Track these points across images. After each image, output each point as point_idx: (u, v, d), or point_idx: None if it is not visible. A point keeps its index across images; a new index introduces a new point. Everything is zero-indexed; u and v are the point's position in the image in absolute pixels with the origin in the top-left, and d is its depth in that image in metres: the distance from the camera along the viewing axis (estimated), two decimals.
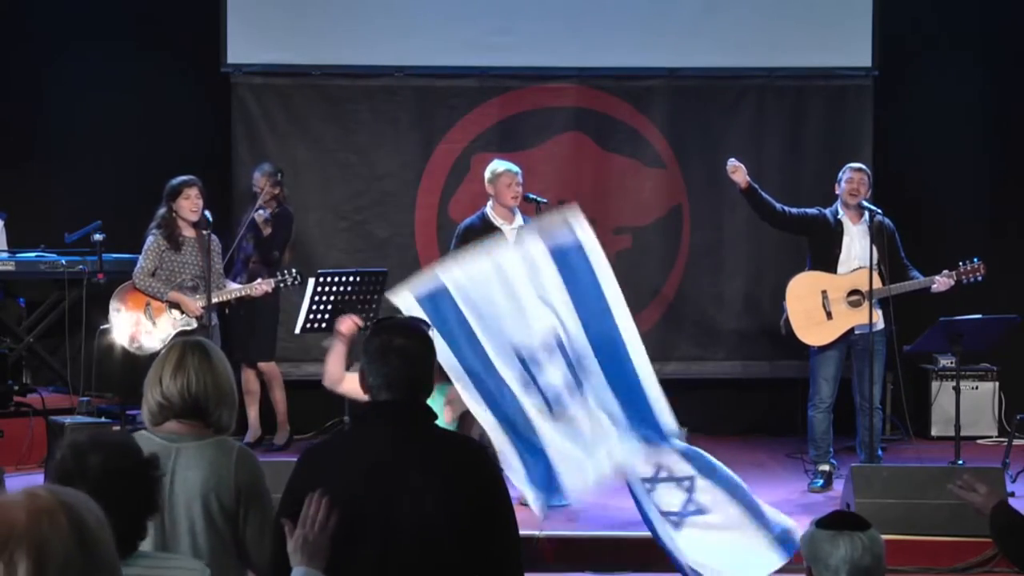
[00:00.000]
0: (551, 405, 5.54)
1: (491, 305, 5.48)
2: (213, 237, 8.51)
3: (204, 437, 3.94)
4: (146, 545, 3.81)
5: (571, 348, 5.57)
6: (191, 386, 3.91)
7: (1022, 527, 4.20)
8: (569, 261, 5.58)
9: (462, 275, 5.49)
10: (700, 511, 5.66)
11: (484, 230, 8.22)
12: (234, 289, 8.56)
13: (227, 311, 8.90)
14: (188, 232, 8.39)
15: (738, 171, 8.31)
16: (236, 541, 3.94)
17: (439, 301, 5.39)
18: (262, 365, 9.34)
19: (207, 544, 3.88)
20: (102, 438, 3.20)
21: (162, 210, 8.39)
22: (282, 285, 8.62)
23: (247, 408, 9.20)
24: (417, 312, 5.28)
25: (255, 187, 9.33)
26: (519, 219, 8.29)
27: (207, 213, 8.28)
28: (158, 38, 10.12)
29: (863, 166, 8.64)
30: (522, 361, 5.52)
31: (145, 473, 3.15)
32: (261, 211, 9.20)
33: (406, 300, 5.40)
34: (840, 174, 8.54)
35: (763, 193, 8.43)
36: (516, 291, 5.54)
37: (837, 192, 8.52)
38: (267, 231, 9.20)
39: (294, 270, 8.61)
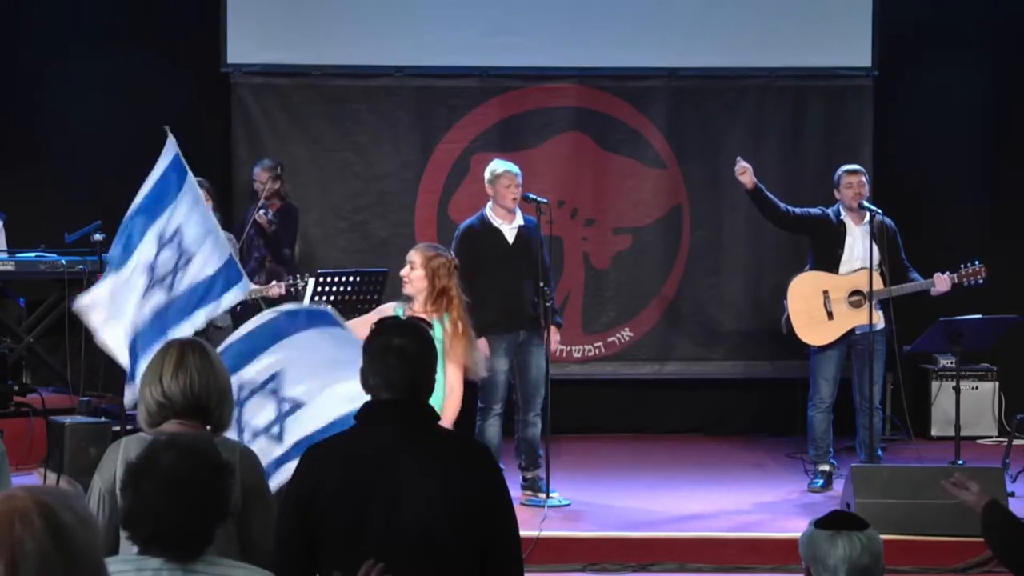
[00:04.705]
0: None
1: None
2: (228, 237, 8.45)
3: None
4: None
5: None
6: (193, 385, 3.88)
7: (1013, 525, 4.20)
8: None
9: None
10: (296, 406, 4.99)
11: (483, 231, 8.20)
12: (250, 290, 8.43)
13: (243, 311, 8.73)
14: None
15: (746, 172, 8.29)
16: (240, 540, 3.93)
17: None
18: None
19: (215, 545, 3.85)
20: (179, 440, 3.17)
21: None
22: (292, 290, 8.44)
23: None
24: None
25: (255, 183, 9.29)
26: (519, 219, 8.26)
27: None
28: (158, 38, 10.11)
29: (858, 167, 8.59)
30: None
31: (215, 480, 3.09)
32: (263, 211, 9.15)
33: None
34: (836, 178, 8.50)
35: (768, 194, 8.42)
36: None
37: (837, 196, 8.49)
38: (271, 229, 9.14)
39: (306, 274, 8.47)
